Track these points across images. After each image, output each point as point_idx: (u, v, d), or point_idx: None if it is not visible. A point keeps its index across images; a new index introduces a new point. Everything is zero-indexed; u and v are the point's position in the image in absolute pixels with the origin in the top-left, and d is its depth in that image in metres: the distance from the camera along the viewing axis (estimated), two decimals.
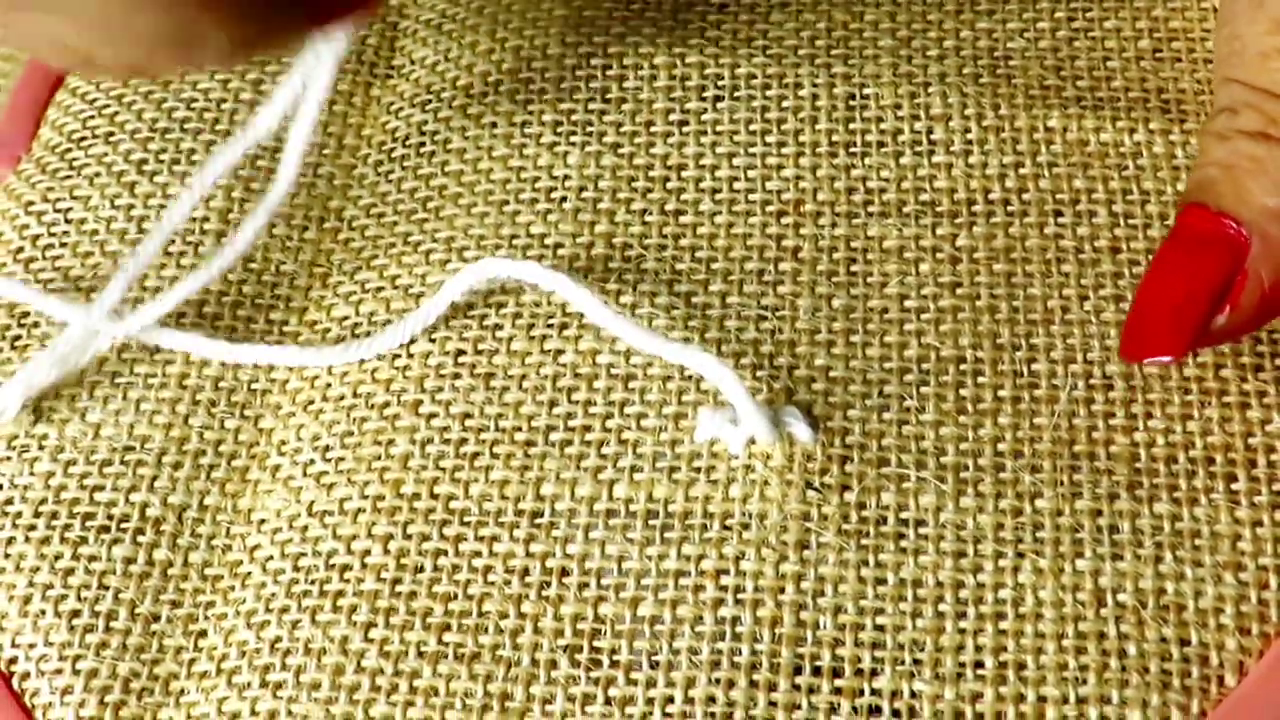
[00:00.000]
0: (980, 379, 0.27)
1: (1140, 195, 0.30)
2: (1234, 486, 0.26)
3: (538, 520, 0.26)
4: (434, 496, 0.27)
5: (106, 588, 0.27)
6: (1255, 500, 0.26)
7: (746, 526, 0.25)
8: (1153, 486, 0.26)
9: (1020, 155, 0.30)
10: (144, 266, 0.29)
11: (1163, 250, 0.26)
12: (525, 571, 0.26)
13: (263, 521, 0.27)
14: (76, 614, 0.26)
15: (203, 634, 0.26)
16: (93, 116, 0.33)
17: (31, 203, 0.32)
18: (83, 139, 0.33)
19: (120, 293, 0.29)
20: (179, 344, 0.29)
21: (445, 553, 0.26)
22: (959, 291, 0.28)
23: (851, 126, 0.31)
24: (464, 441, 0.27)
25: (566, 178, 0.31)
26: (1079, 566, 0.25)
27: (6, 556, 0.27)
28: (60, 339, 0.29)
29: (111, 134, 0.33)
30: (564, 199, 0.31)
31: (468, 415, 0.28)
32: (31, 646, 0.26)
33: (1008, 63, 0.32)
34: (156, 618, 0.26)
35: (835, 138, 0.31)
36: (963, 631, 0.24)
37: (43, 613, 0.26)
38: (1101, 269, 0.29)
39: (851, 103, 0.31)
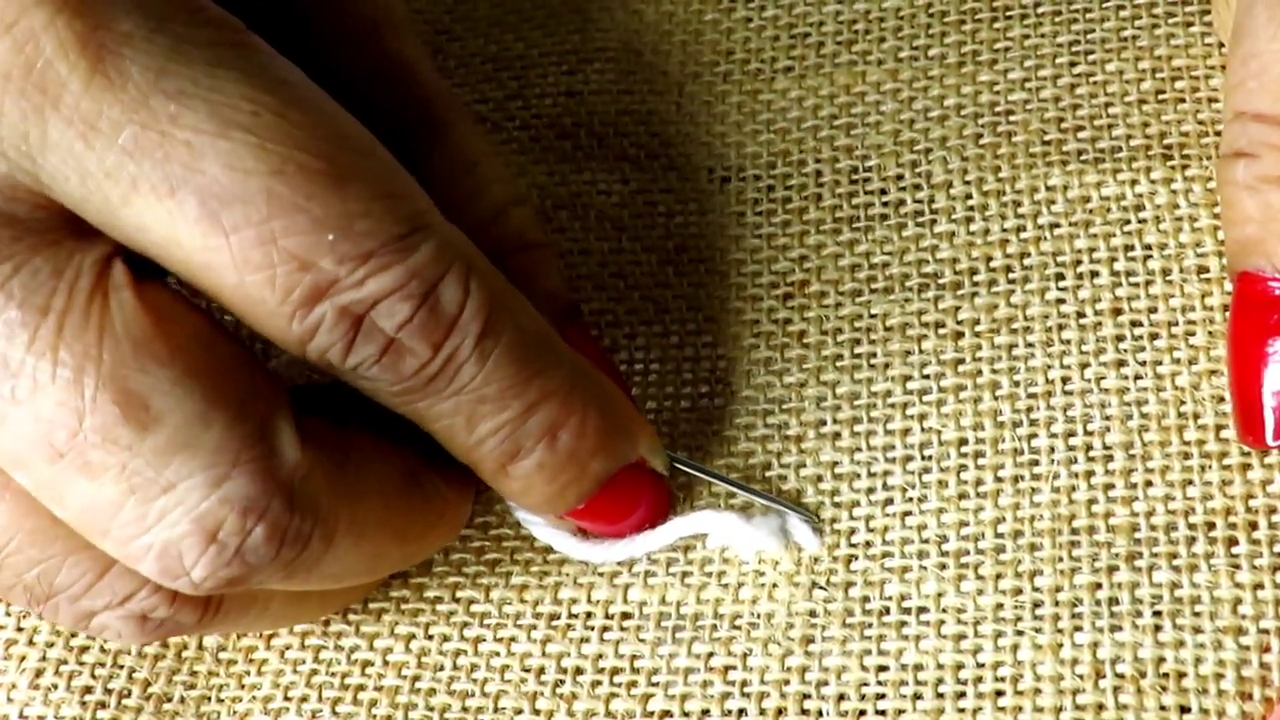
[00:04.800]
0: (981, 460, 0.28)
1: (1143, 251, 0.30)
2: (1235, 550, 0.27)
3: (555, 622, 0.28)
4: (455, 600, 0.29)
5: (120, 666, 0.28)
6: (1256, 563, 0.27)
7: (755, 625, 0.27)
8: (1153, 555, 0.27)
9: (1022, 219, 0.31)
10: None
11: (1235, 326, 0.26)
12: (541, 670, 0.27)
13: None
14: (89, 690, 0.27)
15: (216, 716, 0.27)
16: None
17: None
18: None
19: None
20: None
21: (465, 652, 0.28)
22: (961, 369, 0.29)
23: (855, 201, 0.32)
24: (484, 550, 0.29)
25: None
26: (1078, 640, 0.26)
27: (20, 630, 0.28)
28: None
29: None
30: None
31: (488, 525, 0.29)
32: (41, 719, 0.27)
33: (1009, 118, 0.32)
34: (169, 698, 0.28)
35: (839, 213, 0.32)
36: (962, 711, 0.26)
37: (54, 686, 0.28)
38: (1103, 333, 0.29)
39: (855, 176, 0.32)
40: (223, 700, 0.28)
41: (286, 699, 0.28)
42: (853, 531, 0.28)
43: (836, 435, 0.29)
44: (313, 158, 0.21)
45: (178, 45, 0.21)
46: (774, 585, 0.27)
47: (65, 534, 0.23)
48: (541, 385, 0.24)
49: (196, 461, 0.21)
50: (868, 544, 0.28)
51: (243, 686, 0.28)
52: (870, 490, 0.28)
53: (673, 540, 0.28)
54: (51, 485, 0.22)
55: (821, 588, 0.27)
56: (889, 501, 0.28)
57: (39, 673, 0.28)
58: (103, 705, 0.28)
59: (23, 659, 0.28)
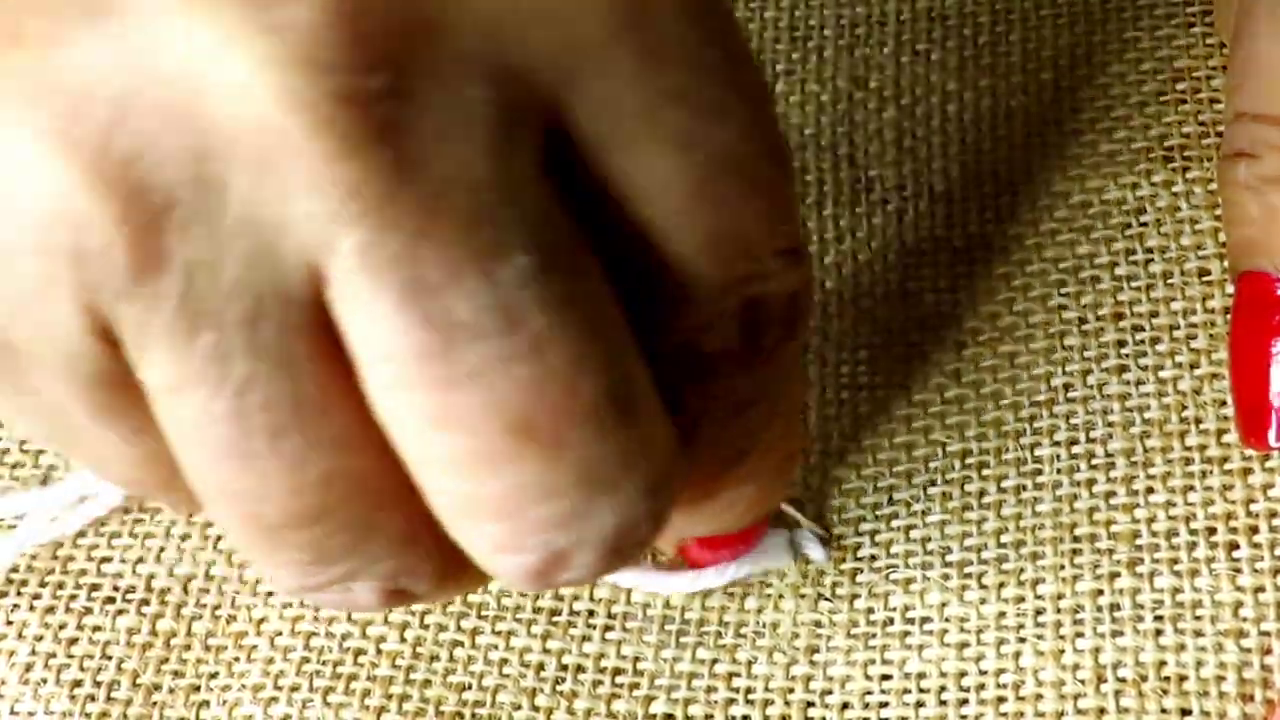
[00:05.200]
0: (985, 471, 0.29)
1: (1144, 255, 0.30)
2: (1236, 554, 0.27)
3: (555, 618, 0.28)
4: None
5: (109, 658, 0.28)
6: (1257, 567, 0.27)
7: (760, 634, 0.27)
8: (1154, 561, 0.27)
9: (1024, 226, 0.31)
10: None
11: (1236, 328, 0.27)
12: (540, 666, 0.27)
13: (270, 594, 0.29)
14: (78, 683, 0.27)
15: (205, 704, 0.27)
16: None
17: None
18: None
19: None
20: None
21: (461, 644, 0.28)
22: (964, 380, 0.30)
23: (857, 210, 0.32)
24: None
25: None
26: (1079, 646, 0.27)
27: (9, 624, 0.28)
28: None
29: None
30: None
31: None
32: (31, 715, 0.27)
33: (1009, 123, 0.32)
34: (158, 688, 0.27)
35: (842, 223, 0.32)
36: (965, 717, 0.26)
37: (44, 681, 0.27)
38: (1105, 339, 0.30)
39: (857, 186, 0.32)
40: (212, 689, 0.28)
41: (277, 687, 0.28)
42: (858, 547, 0.28)
43: (844, 451, 0.29)
44: (778, 149, 0.21)
45: None
46: (780, 596, 0.28)
47: (390, 495, 0.20)
48: (787, 401, 0.23)
49: (649, 464, 0.19)
50: (873, 558, 0.28)
51: (232, 674, 0.28)
52: (876, 506, 0.29)
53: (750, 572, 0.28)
54: (491, 455, 0.18)
55: (827, 599, 0.28)
56: (894, 516, 0.28)
57: (28, 667, 0.28)
58: (92, 699, 0.28)
59: (12, 654, 0.28)
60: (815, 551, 0.28)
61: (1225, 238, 0.28)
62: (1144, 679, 0.26)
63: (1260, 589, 0.27)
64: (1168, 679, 0.26)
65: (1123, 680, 0.26)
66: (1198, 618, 0.27)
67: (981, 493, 0.28)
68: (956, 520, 0.28)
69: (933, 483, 0.29)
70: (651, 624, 0.28)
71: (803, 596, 0.28)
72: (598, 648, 0.28)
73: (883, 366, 0.30)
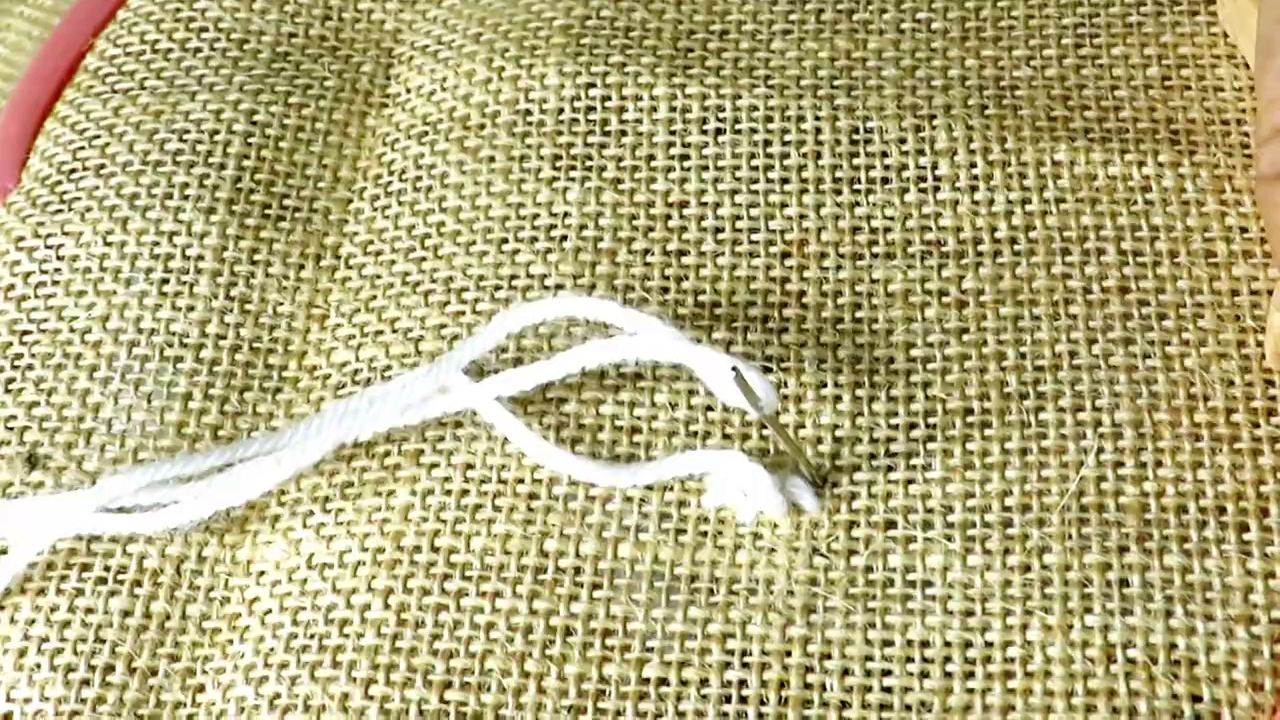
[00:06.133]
0: (988, 431, 0.27)
1: (1150, 231, 0.29)
2: (1246, 537, 0.26)
3: (541, 577, 0.26)
4: (435, 549, 0.26)
5: (103, 641, 0.26)
6: (1268, 551, 0.26)
7: (753, 592, 0.25)
8: (1163, 538, 0.26)
9: (1027, 191, 0.30)
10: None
11: None
12: (529, 629, 0.25)
13: (262, 573, 0.27)
14: (72, 668, 0.26)
15: (200, 689, 0.26)
16: (83, 147, 0.33)
17: (23, 238, 0.31)
18: (74, 171, 0.32)
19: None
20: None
21: (446, 608, 0.26)
22: (965, 338, 0.28)
23: (855, 161, 0.30)
24: (465, 493, 0.27)
25: (566, 215, 0.30)
26: (1088, 622, 0.25)
27: (1, 609, 0.27)
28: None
29: (103, 166, 0.32)
30: (564, 237, 0.30)
31: (469, 465, 0.27)
32: (27, 701, 0.26)
33: (1014, 93, 0.31)
34: (154, 672, 0.26)
35: (839, 173, 0.30)
36: (970, 691, 0.24)
37: (38, 666, 0.26)
38: (1110, 310, 0.28)
39: (855, 136, 0.31)
40: (207, 672, 0.26)
41: (267, 665, 0.26)
42: (854, 496, 0.26)
43: (837, 399, 0.27)
44: None
45: None
46: (772, 550, 0.25)
47: None
48: None
49: None
50: (869, 510, 0.26)
51: (226, 656, 0.26)
52: (872, 456, 0.27)
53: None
54: None
55: (822, 554, 0.25)
56: (891, 468, 0.26)
57: (22, 653, 0.26)
58: (86, 683, 0.26)
59: (5, 640, 0.26)
60: (808, 500, 0.26)
61: (1272, 258, 0.27)
62: (1154, 661, 0.24)
63: (1271, 574, 0.25)
64: (1178, 663, 0.25)
65: (1132, 662, 0.24)
66: (1208, 600, 0.25)
67: (984, 452, 0.26)
68: (958, 479, 0.26)
69: (932, 438, 0.27)
70: (640, 580, 0.25)
71: (796, 550, 0.25)
72: (586, 607, 0.25)
73: (877, 319, 0.28)
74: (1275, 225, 0.26)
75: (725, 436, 0.27)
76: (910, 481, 0.26)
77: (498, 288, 0.30)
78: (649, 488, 0.26)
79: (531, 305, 0.28)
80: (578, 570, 0.26)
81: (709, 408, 0.27)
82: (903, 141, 0.30)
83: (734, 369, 0.25)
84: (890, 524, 0.26)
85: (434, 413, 0.27)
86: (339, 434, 0.27)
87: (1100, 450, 0.26)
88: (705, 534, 0.26)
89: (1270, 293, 0.28)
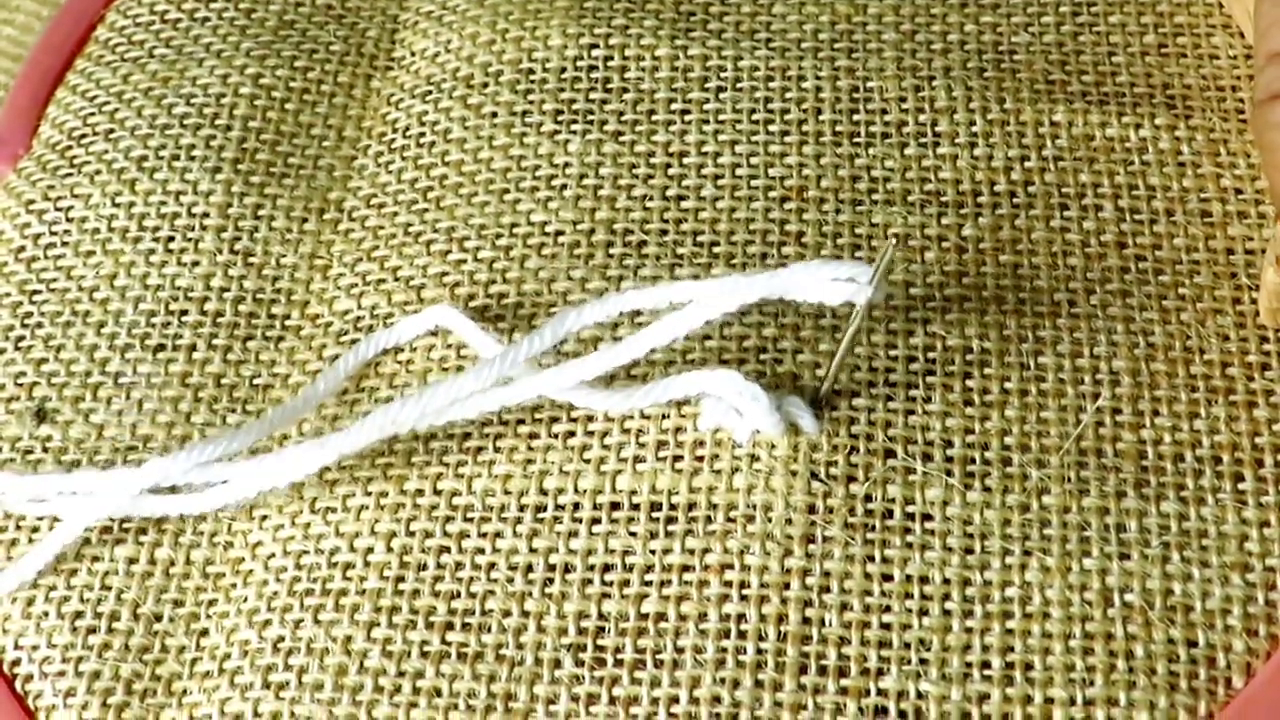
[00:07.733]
0: (987, 370, 0.27)
1: (1146, 190, 0.30)
2: (1241, 486, 0.26)
3: (541, 515, 0.26)
4: (437, 492, 0.26)
5: (109, 588, 0.26)
6: (1262, 500, 0.26)
7: (751, 519, 0.25)
8: (1160, 485, 0.26)
9: (1025, 149, 0.30)
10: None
11: None
12: (529, 568, 0.25)
13: (265, 517, 0.27)
14: (79, 615, 0.26)
15: (205, 633, 0.26)
16: (93, 113, 0.33)
17: (32, 201, 0.31)
18: (83, 136, 0.32)
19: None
20: None
21: (448, 549, 0.26)
22: (965, 281, 0.28)
23: (855, 118, 0.31)
24: (468, 435, 0.27)
25: (567, 165, 0.31)
26: (1086, 565, 0.25)
27: (9, 559, 0.27)
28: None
29: (112, 130, 0.32)
30: (565, 186, 0.30)
31: None
32: (35, 648, 0.26)
33: (1012, 57, 0.32)
34: (159, 617, 0.26)
35: (839, 128, 0.30)
36: (969, 630, 0.24)
37: (45, 614, 0.26)
38: (1108, 263, 0.28)
39: (855, 95, 0.31)
40: (211, 616, 0.26)
41: (270, 609, 0.26)
42: (852, 421, 0.26)
43: (834, 329, 0.27)
44: None
45: None
46: (769, 473, 0.25)
47: None
48: None
49: None
50: (868, 436, 0.26)
51: (230, 600, 0.26)
52: (870, 383, 0.27)
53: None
54: None
55: (820, 480, 0.25)
56: (889, 397, 0.26)
57: (30, 601, 0.26)
58: (93, 630, 0.26)
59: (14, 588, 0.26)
60: (806, 421, 0.26)
61: (1266, 182, 0.27)
62: (1150, 605, 0.25)
63: (1265, 523, 0.26)
64: (1174, 608, 0.25)
65: (1130, 606, 0.25)
66: (1204, 548, 0.25)
67: (984, 390, 0.27)
68: (957, 414, 0.26)
69: (930, 371, 0.27)
70: (639, 512, 0.25)
71: (794, 474, 0.25)
72: (585, 543, 0.25)
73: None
74: (1270, 146, 0.26)
75: (722, 363, 0.27)
76: (910, 412, 0.26)
77: (499, 235, 0.30)
78: (646, 417, 0.26)
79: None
80: (576, 506, 0.26)
81: (706, 336, 0.27)
82: (902, 99, 0.31)
83: (893, 239, 0.25)
84: (889, 453, 0.26)
85: (491, 406, 0.27)
86: (389, 429, 0.26)
87: (1098, 395, 0.27)
88: (702, 458, 0.26)
89: (1264, 251, 0.28)
